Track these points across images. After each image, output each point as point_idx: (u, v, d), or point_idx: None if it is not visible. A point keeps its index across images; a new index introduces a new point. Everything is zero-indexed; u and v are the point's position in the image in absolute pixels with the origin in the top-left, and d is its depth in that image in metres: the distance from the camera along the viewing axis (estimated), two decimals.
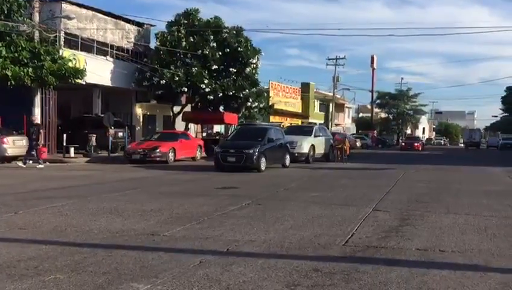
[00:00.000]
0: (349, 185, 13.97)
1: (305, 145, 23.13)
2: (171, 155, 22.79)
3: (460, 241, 6.67)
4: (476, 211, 9.29)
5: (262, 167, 18.16)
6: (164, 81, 28.86)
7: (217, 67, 30.17)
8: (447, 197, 11.25)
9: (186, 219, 8.10)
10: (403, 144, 55.45)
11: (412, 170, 20.02)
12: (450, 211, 9.27)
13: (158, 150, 22.34)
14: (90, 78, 25.41)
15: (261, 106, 34.80)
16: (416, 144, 52.73)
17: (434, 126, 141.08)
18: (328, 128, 59.84)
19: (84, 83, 24.47)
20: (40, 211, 8.78)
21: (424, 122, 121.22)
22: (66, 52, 24.38)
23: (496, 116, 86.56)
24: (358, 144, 52.15)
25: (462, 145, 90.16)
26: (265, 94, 36.44)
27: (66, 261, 5.48)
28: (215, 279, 4.89)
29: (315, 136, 24.59)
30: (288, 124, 36.77)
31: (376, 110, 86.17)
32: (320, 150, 24.67)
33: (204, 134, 38.66)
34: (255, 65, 32.01)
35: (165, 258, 5.67)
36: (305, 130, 25.56)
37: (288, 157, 20.61)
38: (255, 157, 17.83)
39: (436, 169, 21.37)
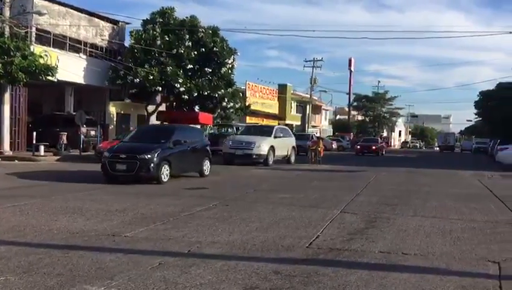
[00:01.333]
0: (320, 187, 13.95)
1: (263, 146, 21.96)
2: None
3: (424, 244, 6.66)
4: (442, 214, 9.33)
5: (164, 178, 13.75)
6: (138, 79, 28.54)
7: (192, 66, 29.96)
8: (416, 200, 11.30)
9: (150, 220, 7.96)
10: (358, 146, 43.26)
11: (384, 173, 20.12)
12: (417, 213, 9.30)
13: None
14: (63, 75, 25.00)
15: (237, 106, 34.66)
16: (374, 147, 42.42)
17: (410, 129, 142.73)
18: (305, 130, 60.59)
19: (55, 80, 24.06)
20: (0, 211, 8.54)
21: (400, 126, 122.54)
22: (37, 49, 23.91)
23: (471, 121, 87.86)
24: (334, 146, 52.37)
25: (437, 148, 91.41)
26: (241, 95, 36.26)
27: (20, 262, 5.32)
28: (172, 281, 4.78)
29: (275, 137, 23.28)
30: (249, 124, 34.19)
31: (353, 112, 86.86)
32: (281, 151, 23.47)
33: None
34: (230, 65, 31.87)
35: (123, 259, 5.53)
36: (265, 131, 24.26)
37: (207, 164, 16.42)
38: (152, 164, 13.43)
39: (408, 172, 21.51)
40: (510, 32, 24.42)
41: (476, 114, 65.22)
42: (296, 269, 5.28)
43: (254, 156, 21.77)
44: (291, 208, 9.59)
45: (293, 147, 25.13)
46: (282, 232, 7.25)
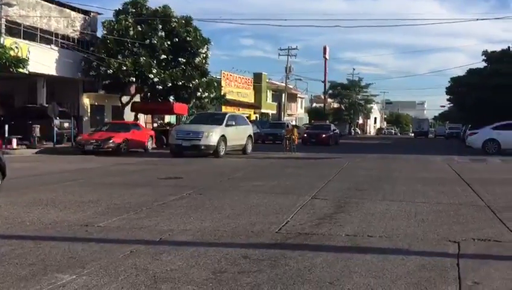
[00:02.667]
0: (294, 174, 14.17)
1: (213, 136, 20.18)
2: (124, 146, 22.56)
3: (389, 226, 6.89)
4: (410, 197, 9.61)
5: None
6: (111, 70, 28.36)
7: (165, 57, 29.88)
8: (385, 185, 11.58)
9: (123, 210, 8.05)
10: (305, 134, 35.83)
11: (358, 159, 20.45)
12: (385, 198, 9.56)
13: (111, 141, 22.11)
14: (34, 67, 24.74)
15: (212, 96, 34.68)
16: (323, 136, 34.66)
17: (385, 116, 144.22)
18: (281, 119, 60.75)
19: (27, 72, 23.80)
20: None
21: (376, 112, 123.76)
22: (7, 41, 23.58)
23: (444, 106, 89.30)
24: None
25: (412, 134, 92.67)
26: (216, 84, 36.27)
27: None
28: (143, 268, 4.90)
29: (227, 125, 21.34)
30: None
31: (329, 100, 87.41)
32: (235, 141, 21.68)
33: (155, 124, 38.28)
34: (204, 55, 31.87)
35: (95, 248, 5.63)
36: (216, 119, 22.29)
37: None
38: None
39: (381, 158, 21.89)
40: (477, 20, 24.76)
41: (448, 100, 66.30)
42: (264, 253, 5.45)
43: (202, 147, 20.06)
44: (263, 195, 9.76)
45: (250, 136, 23.52)
46: (253, 218, 7.41)
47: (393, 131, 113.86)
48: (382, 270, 4.84)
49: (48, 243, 5.83)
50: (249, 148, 23.20)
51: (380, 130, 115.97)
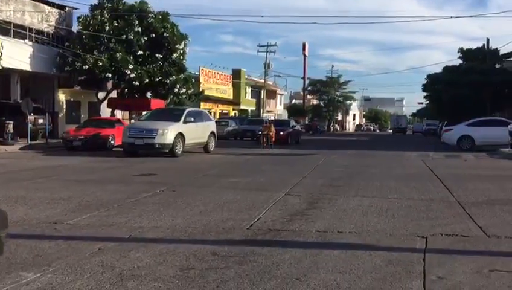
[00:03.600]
0: (269, 171, 14.19)
1: (168, 134, 18.56)
2: (112, 141, 22.35)
3: (359, 222, 6.94)
4: (382, 193, 9.69)
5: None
6: (87, 66, 28.05)
7: (142, 52, 29.64)
8: (360, 181, 11.65)
9: (94, 207, 7.97)
10: (259, 132, 29.27)
11: (334, 156, 20.56)
12: (358, 194, 9.62)
13: (100, 137, 21.93)
14: (7, 62, 24.40)
15: (190, 92, 34.51)
16: (281, 133, 28.93)
17: (364, 113, 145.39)
18: (260, 115, 60.79)
19: (0, 67, 23.39)
20: None
21: (355, 109, 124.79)
22: None
23: (422, 103, 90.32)
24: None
25: (390, 131, 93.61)
26: (194, 80, 36.09)
27: None
28: (110, 265, 4.86)
29: (185, 122, 19.69)
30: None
31: (309, 97, 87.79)
32: (194, 139, 20.09)
33: (132, 121, 37.96)
34: (182, 51, 31.67)
35: (62, 246, 5.57)
36: (174, 115, 20.44)
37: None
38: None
39: (357, 154, 22.04)
40: (451, 17, 25.10)
41: (425, 97, 67.07)
42: (233, 249, 5.44)
43: (157, 146, 18.50)
44: (237, 191, 9.75)
45: (212, 133, 21.82)
46: (225, 215, 7.40)
47: (372, 128, 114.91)
48: (349, 266, 4.88)
49: (14, 241, 5.72)
50: (211, 146, 21.65)
51: (359, 126, 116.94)
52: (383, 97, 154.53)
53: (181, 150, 19.15)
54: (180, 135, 19.07)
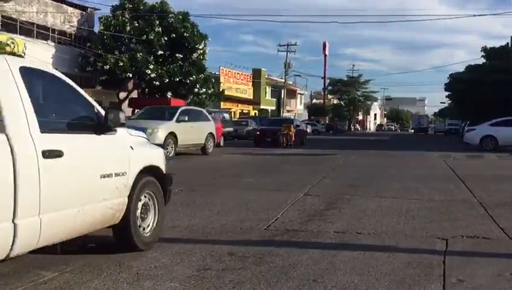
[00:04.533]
0: (288, 171, 14.13)
1: (159, 133, 17.19)
2: None
3: (378, 223, 6.86)
4: (402, 194, 9.57)
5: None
6: (108, 66, 28.34)
7: (162, 52, 29.87)
8: (379, 182, 11.54)
9: None
10: (258, 132, 28.34)
11: (354, 156, 20.42)
12: (377, 194, 9.52)
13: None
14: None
15: (210, 92, 34.64)
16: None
17: (385, 112, 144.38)
18: (280, 115, 60.68)
19: None
20: None
21: (375, 109, 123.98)
22: (3, 36, 23.44)
23: (444, 103, 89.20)
24: (309, 130, 52.77)
25: (412, 131, 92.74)
26: (213, 80, 36.21)
27: None
28: (127, 265, 4.87)
29: (178, 121, 18.50)
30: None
31: (330, 96, 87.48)
32: (188, 140, 18.74)
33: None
34: (202, 51, 31.81)
35: (80, 245, 5.59)
36: (167, 113, 19.30)
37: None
38: None
39: (377, 154, 21.85)
40: (474, 15, 24.77)
41: (447, 96, 66.27)
42: (250, 250, 5.41)
43: None
44: (255, 191, 9.72)
45: (211, 134, 20.27)
46: (243, 215, 7.38)
47: (393, 127, 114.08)
48: (367, 268, 4.81)
49: None
50: (210, 147, 20.13)
51: (379, 126, 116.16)
52: (405, 96, 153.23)
53: (173, 151, 17.72)
54: (172, 135, 17.77)
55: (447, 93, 63.71)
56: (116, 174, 4.86)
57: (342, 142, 34.38)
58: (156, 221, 5.57)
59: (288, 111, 70.74)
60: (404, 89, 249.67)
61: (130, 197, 5.06)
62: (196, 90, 32.35)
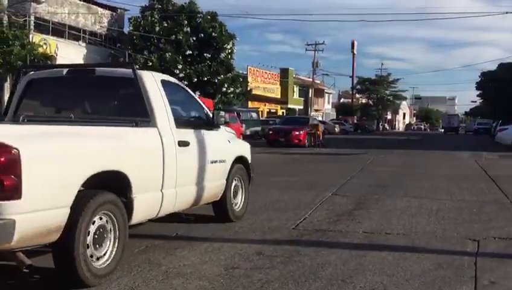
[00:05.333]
0: (316, 170, 14.08)
1: None
2: None
3: (408, 224, 6.78)
4: (432, 194, 9.44)
5: None
6: (138, 66, 28.66)
7: (191, 52, 30.11)
8: (408, 182, 11.41)
9: None
10: (270, 131, 26.17)
11: (382, 155, 20.22)
12: (407, 194, 9.41)
13: None
14: (62, 63, 25.14)
15: (238, 91, 34.74)
16: (296, 133, 24.68)
17: (415, 111, 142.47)
18: (308, 114, 60.48)
19: None
20: None
21: (404, 108, 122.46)
22: (36, 37, 24.04)
23: (475, 102, 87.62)
24: (337, 129, 52.48)
25: (442, 130, 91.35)
26: (241, 79, 36.31)
27: None
28: (156, 263, 4.93)
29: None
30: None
31: (358, 95, 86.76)
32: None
33: None
34: (230, 50, 31.95)
35: None
36: None
37: None
38: None
39: (406, 154, 21.61)
40: (506, 13, 24.27)
41: (478, 95, 65.07)
42: (278, 249, 5.41)
43: None
44: (283, 191, 9.71)
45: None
46: (271, 214, 7.38)
47: (422, 127, 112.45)
48: (397, 269, 4.77)
49: None
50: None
51: (408, 125, 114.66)
52: (434, 95, 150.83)
53: None
54: None
55: (478, 92, 62.59)
56: (220, 161, 6.32)
57: (370, 142, 34.08)
58: (243, 199, 7.08)
59: (316, 110, 70.47)
60: (434, 88, 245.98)
61: (227, 179, 6.50)
62: (224, 89, 32.50)
